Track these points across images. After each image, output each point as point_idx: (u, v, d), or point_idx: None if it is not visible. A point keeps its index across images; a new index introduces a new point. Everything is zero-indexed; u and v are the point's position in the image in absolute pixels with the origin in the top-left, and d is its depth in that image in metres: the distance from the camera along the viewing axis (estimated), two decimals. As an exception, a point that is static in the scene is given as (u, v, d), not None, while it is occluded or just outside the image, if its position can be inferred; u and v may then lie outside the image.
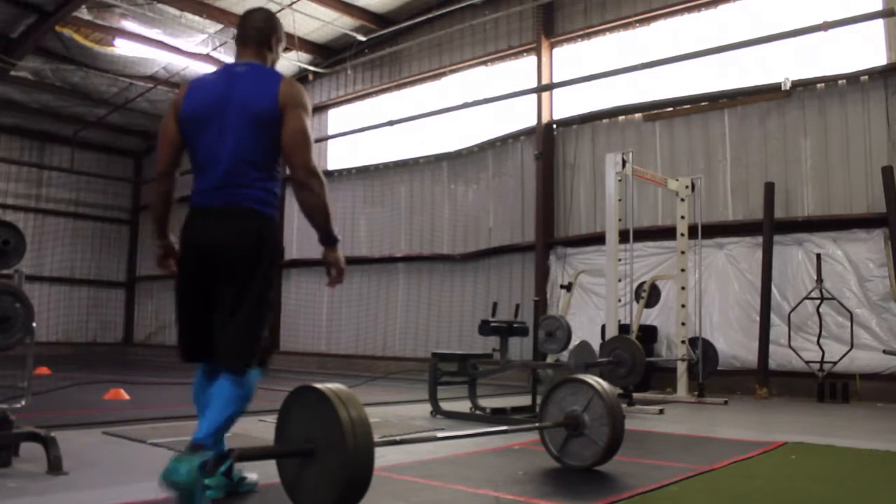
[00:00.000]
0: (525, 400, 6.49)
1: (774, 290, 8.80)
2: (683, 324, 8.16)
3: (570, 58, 11.35)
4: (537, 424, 3.78)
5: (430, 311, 12.63)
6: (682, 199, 8.37)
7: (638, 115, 10.50)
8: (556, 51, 11.55)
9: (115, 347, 18.17)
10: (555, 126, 11.38)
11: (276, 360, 12.39)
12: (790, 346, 8.38)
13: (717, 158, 9.71)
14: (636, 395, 7.12)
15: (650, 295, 8.67)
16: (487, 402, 6.32)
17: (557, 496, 3.13)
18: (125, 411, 5.80)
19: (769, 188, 8.88)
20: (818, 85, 8.97)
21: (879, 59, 8.58)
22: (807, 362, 8.18)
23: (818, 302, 8.31)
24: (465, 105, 11.53)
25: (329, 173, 13.84)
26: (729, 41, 9.10)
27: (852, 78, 8.73)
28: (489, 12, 11.80)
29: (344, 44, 13.51)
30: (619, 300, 7.45)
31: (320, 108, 14.54)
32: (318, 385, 2.57)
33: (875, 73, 8.58)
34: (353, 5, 12.49)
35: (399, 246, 13.28)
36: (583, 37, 11.28)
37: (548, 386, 4.55)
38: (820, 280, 8.30)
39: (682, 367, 8.11)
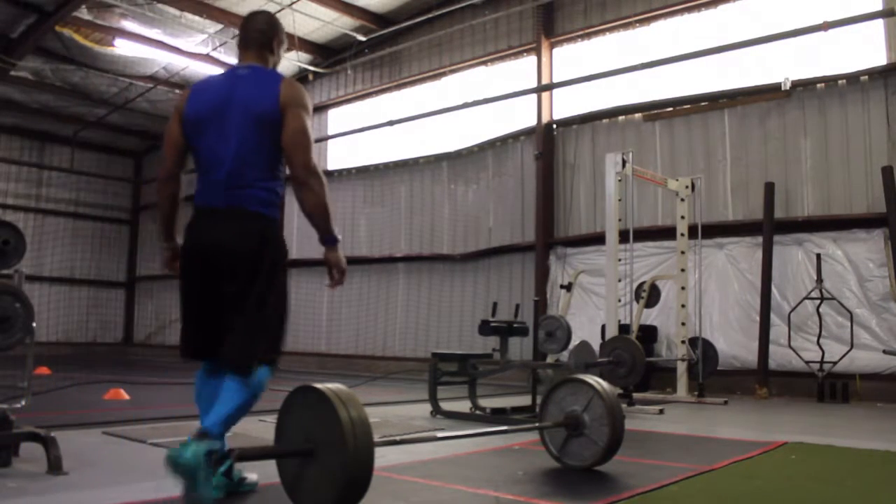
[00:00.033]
0: (525, 400, 6.49)
1: (774, 290, 8.81)
2: (683, 324, 8.16)
3: (570, 58, 11.35)
4: (537, 424, 3.78)
5: (430, 311, 12.63)
6: (682, 199, 8.37)
7: (638, 115, 10.50)
8: (556, 51, 11.55)
9: (115, 347, 18.17)
10: (555, 126, 11.38)
11: (276, 360, 12.37)
12: (790, 346, 8.38)
13: (717, 158, 9.71)
14: (636, 395, 7.12)
15: (650, 295, 8.67)
16: (487, 402, 6.32)
17: (557, 496, 3.13)
18: (125, 411, 5.80)
19: (769, 188, 8.88)
20: (818, 85, 8.97)
21: (879, 59, 8.58)
22: (807, 362, 8.19)
23: (818, 302, 8.31)
24: (465, 105, 11.52)
25: (329, 173, 13.84)
26: (729, 41, 9.09)
27: (852, 78, 8.73)
28: (489, 12, 11.80)
29: (344, 44, 13.51)
30: (619, 300, 7.45)
31: (320, 108, 14.54)
32: (318, 385, 2.57)
33: (875, 73, 8.58)
34: (353, 5, 12.49)
35: (399, 246, 13.28)
36: (583, 37, 11.29)
37: (548, 386, 4.55)
38: (820, 280, 8.30)
39: (682, 367, 8.11)
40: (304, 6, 11.82)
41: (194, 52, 13.08)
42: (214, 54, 13.05)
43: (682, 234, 8.32)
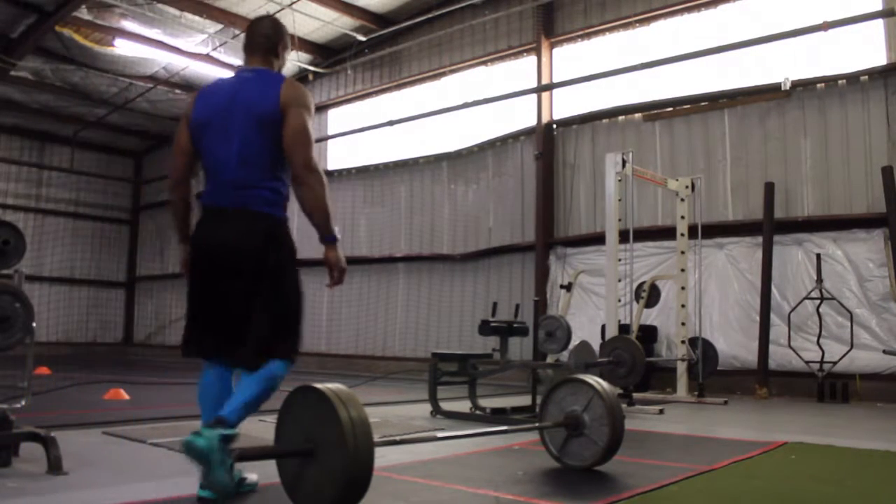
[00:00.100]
0: (525, 400, 6.49)
1: (774, 290, 8.80)
2: (683, 324, 8.16)
3: (570, 58, 11.35)
4: (537, 424, 3.77)
5: (430, 311, 12.63)
6: (682, 199, 8.37)
7: (638, 115, 10.50)
8: (556, 51, 11.55)
9: (115, 347, 18.17)
10: (555, 126, 11.38)
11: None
12: (790, 346, 8.38)
13: (717, 158, 9.71)
14: (636, 395, 7.12)
15: (650, 295, 8.67)
16: (487, 402, 6.32)
17: (557, 496, 3.13)
18: (125, 411, 5.80)
19: (769, 188, 8.88)
20: (818, 85, 8.97)
21: (879, 59, 8.58)
22: (807, 362, 8.18)
23: (818, 302, 8.31)
24: (465, 105, 11.52)
25: (329, 173, 13.83)
26: (729, 41, 9.09)
27: (852, 78, 8.73)
28: (489, 12, 11.80)
29: (344, 44, 13.51)
30: (619, 300, 7.45)
31: (320, 108, 14.54)
32: (318, 385, 2.57)
33: (875, 73, 8.58)
34: (353, 5, 12.49)
35: (399, 246, 13.28)
36: (583, 37, 11.28)
37: (548, 386, 4.55)
38: (820, 280, 8.30)
39: (682, 367, 8.11)
40: (304, 6, 11.83)
41: (194, 52, 13.08)
42: (214, 54, 13.05)
43: (682, 234, 8.32)
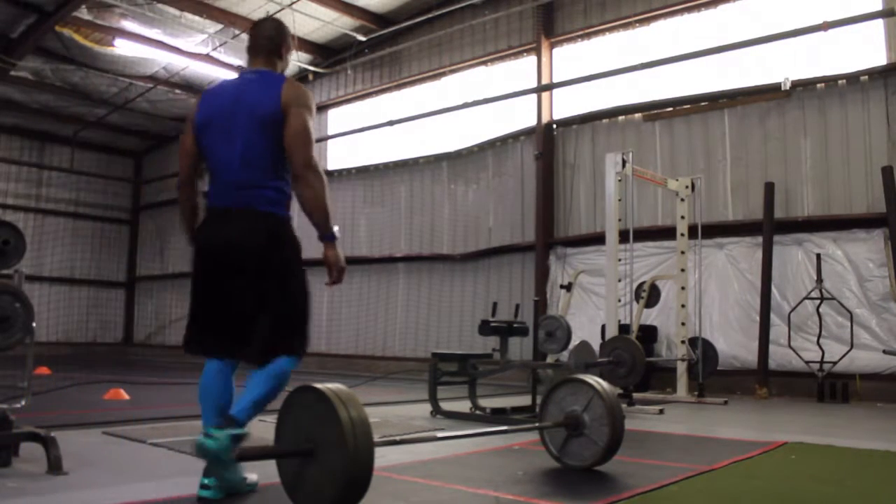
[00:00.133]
0: (525, 400, 6.49)
1: (774, 290, 8.80)
2: (683, 324, 8.16)
3: (570, 58, 11.35)
4: (537, 424, 3.77)
5: (430, 311, 12.63)
6: (682, 199, 8.37)
7: (638, 115, 10.50)
8: (556, 51, 11.55)
9: (115, 347, 18.17)
10: (555, 126, 11.38)
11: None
12: (790, 346, 8.38)
13: (717, 158, 9.71)
14: (636, 395, 7.12)
15: (650, 295, 8.67)
16: (487, 402, 6.32)
17: (557, 496, 3.13)
18: (125, 411, 5.79)
19: (769, 188, 8.88)
20: (818, 85, 8.97)
21: (879, 59, 8.58)
22: (807, 362, 8.18)
23: (818, 302, 8.31)
24: (465, 105, 11.52)
25: (329, 173, 13.83)
26: (729, 41, 9.09)
27: (852, 78, 8.73)
28: (489, 12, 11.80)
29: (344, 44, 13.51)
30: (619, 300, 7.44)
31: (320, 108, 14.53)
32: (318, 385, 2.57)
33: (875, 73, 8.58)
34: (353, 5, 12.49)
35: (399, 246, 13.28)
36: (583, 37, 11.28)
37: (548, 386, 4.55)
38: (820, 280, 8.30)
39: (682, 367, 8.11)
40: (304, 6, 11.83)
41: (194, 52, 13.07)
42: (214, 54, 13.05)
43: (682, 234, 8.32)
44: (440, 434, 3.55)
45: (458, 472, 3.60)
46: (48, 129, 16.71)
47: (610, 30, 10.97)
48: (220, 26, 12.53)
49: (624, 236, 7.51)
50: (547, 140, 11.23)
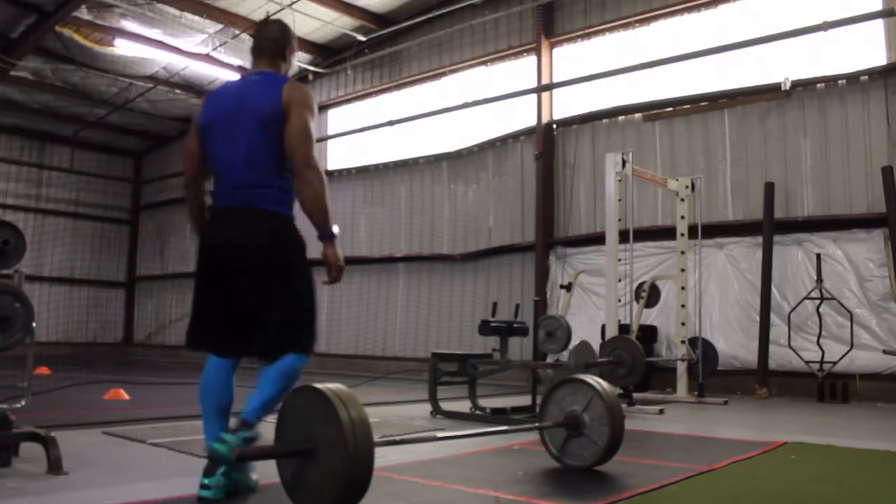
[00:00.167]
0: (525, 400, 6.49)
1: (774, 290, 8.80)
2: (683, 324, 8.16)
3: (570, 58, 11.35)
4: (537, 424, 3.77)
5: (430, 311, 12.63)
6: (682, 199, 8.37)
7: (638, 115, 10.50)
8: (556, 51, 11.55)
9: (115, 347, 18.17)
10: (555, 126, 11.38)
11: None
12: (790, 346, 8.38)
13: (717, 158, 9.71)
14: (636, 395, 7.12)
15: (650, 295, 8.67)
16: (487, 402, 6.32)
17: (557, 496, 3.13)
18: (125, 411, 5.79)
19: (769, 188, 8.88)
20: (818, 85, 8.97)
21: (879, 59, 8.58)
22: (807, 362, 8.18)
23: (818, 302, 8.31)
24: (465, 105, 11.52)
25: (329, 173, 13.83)
26: (729, 41, 9.09)
27: (852, 78, 8.73)
28: (489, 12, 11.80)
29: (344, 44, 13.51)
30: (619, 300, 7.44)
31: (321, 108, 14.52)
32: (318, 385, 2.58)
33: (875, 73, 8.58)
34: (353, 5, 12.49)
35: (399, 246, 13.28)
36: (583, 37, 11.28)
37: (548, 386, 4.55)
38: (820, 280, 8.30)
39: (682, 367, 8.11)
40: (304, 6, 11.83)
41: (194, 52, 13.07)
42: (214, 54, 13.05)
43: (682, 234, 8.32)
44: (440, 434, 3.55)
45: (458, 472, 3.60)
46: (48, 129, 16.71)
47: (610, 30, 10.97)
48: (220, 26, 12.53)
49: (624, 236, 7.51)
50: (547, 140, 11.23)
